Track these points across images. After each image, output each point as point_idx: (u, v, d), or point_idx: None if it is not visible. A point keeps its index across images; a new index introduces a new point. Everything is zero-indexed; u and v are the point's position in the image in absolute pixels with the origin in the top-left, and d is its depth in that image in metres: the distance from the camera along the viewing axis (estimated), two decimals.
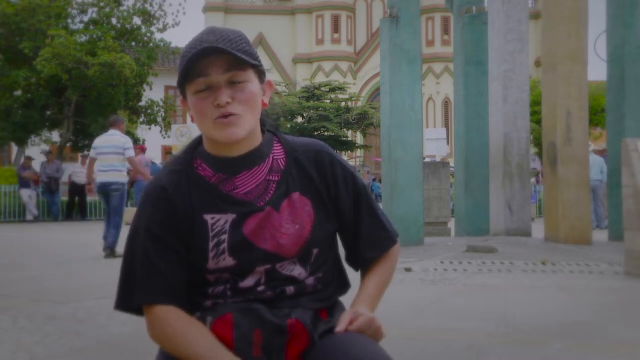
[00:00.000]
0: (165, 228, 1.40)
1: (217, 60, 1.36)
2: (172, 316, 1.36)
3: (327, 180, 1.48)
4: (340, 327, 1.37)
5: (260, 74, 1.44)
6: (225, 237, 1.40)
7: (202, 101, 1.38)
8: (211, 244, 1.40)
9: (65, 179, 18.21)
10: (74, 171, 17.54)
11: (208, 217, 1.41)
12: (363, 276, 1.55)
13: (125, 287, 1.42)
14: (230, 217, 1.40)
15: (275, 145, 1.49)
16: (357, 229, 1.52)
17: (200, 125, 1.41)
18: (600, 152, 13.41)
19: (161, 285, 1.38)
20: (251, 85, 1.39)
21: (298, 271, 1.44)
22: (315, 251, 1.45)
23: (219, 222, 1.41)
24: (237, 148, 1.42)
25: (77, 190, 17.55)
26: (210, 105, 1.37)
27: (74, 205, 17.66)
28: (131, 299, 1.41)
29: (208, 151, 1.45)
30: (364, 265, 1.55)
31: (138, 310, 1.42)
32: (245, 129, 1.39)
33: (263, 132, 1.49)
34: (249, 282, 1.41)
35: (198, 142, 1.50)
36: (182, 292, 1.40)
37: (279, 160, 1.47)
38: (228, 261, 1.39)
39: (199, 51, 1.35)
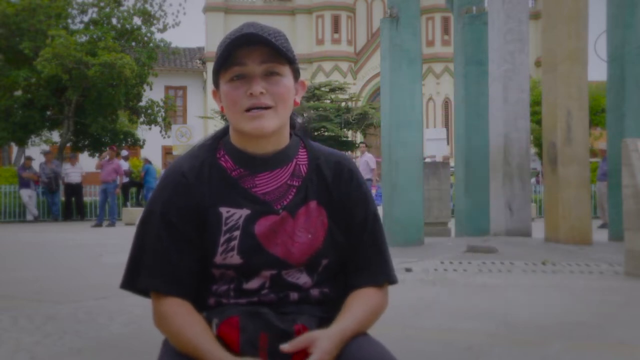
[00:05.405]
0: (181, 215, 1.37)
1: (255, 51, 1.34)
2: (176, 309, 1.35)
3: (342, 192, 1.44)
4: (286, 347, 1.28)
5: (295, 71, 1.41)
6: (237, 233, 1.37)
7: (234, 89, 1.35)
8: (222, 239, 1.37)
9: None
10: (66, 172, 17.49)
11: (223, 210, 1.38)
12: (342, 308, 1.41)
13: (133, 267, 1.40)
14: (245, 212, 1.38)
15: (300, 150, 1.46)
16: (354, 250, 1.45)
17: (229, 115, 1.38)
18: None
19: (169, 273, 1.36)
20: (286, 80, 1.37)
21: (303, 280, 1.41)
22: (324, 262, 1.42)
23: (233, 216, 1.38)
24: (262, 145, 1.40)
25: (72, 190, 17.52)
26: (242, 94, 1.35)
27: (71, 206, 17.64)
28: (137, 281, 1.39)
29: (233, 143, 1.42)
30: (345, 292, 1.45)
31: (143, 292, 1.40)
32: (274, 123, 1.36)
33: (291, 135, 1.46)
34: (253, 284, 1.39)
35: (225, 131, 1.47)
36: (189, 283, 1.38)
37: (301, 166, 1.44)
38: (235, 259, 1.37)
39: (239, 36, 1.33)
